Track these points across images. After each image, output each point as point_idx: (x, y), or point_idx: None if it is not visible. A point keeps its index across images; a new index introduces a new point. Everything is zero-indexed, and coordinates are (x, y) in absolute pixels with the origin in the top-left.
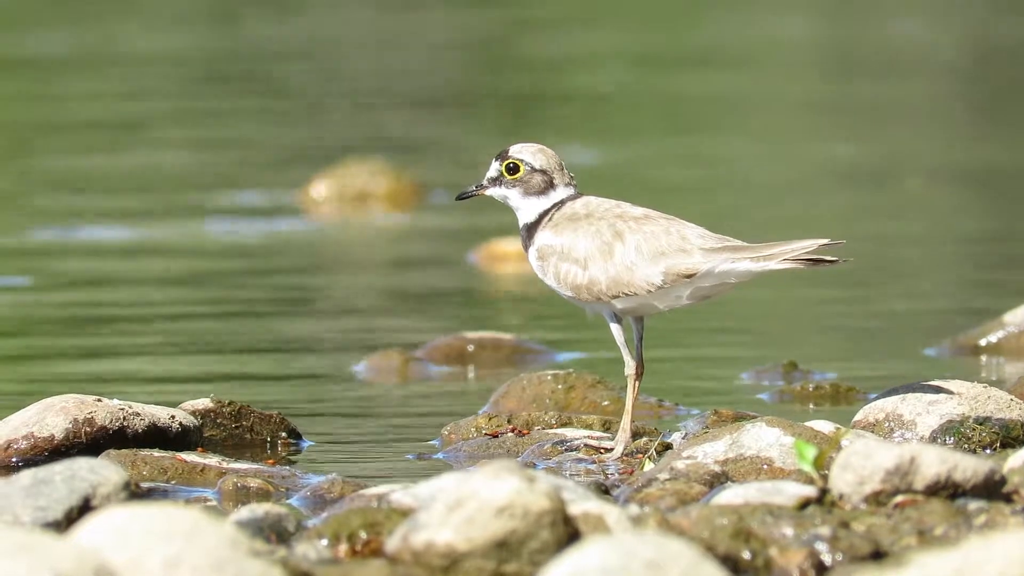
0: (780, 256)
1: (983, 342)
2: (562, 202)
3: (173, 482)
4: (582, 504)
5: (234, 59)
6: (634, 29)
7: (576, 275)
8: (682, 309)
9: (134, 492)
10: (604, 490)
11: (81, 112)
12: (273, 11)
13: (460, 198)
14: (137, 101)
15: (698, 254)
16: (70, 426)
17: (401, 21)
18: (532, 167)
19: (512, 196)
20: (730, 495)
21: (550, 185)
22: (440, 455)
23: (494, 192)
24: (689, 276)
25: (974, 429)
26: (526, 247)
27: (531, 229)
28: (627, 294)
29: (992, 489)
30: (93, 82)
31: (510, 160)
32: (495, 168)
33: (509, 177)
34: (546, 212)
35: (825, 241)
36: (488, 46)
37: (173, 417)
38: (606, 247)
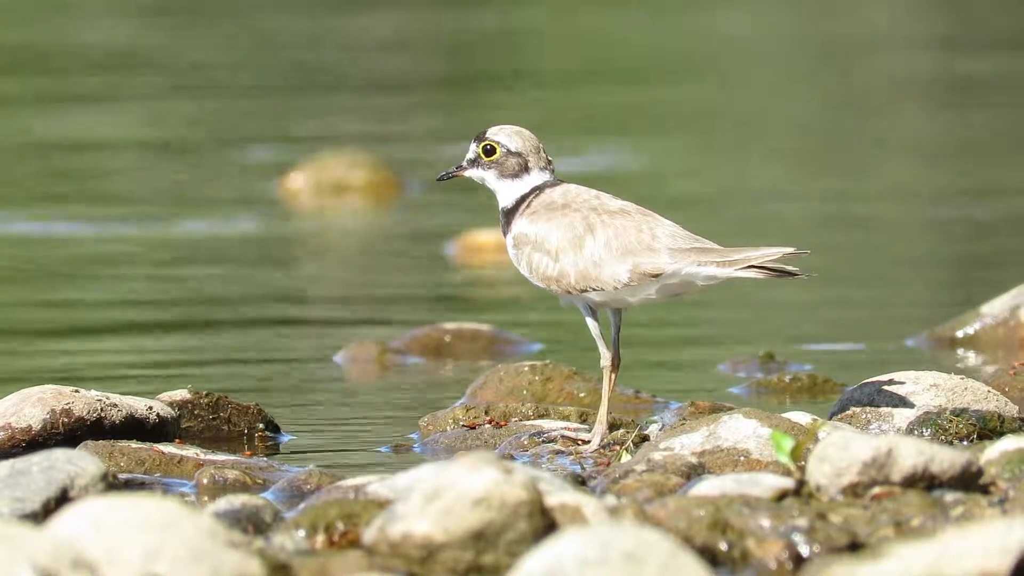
0: (744, 263)
1: (960, 334)
2: (541, 188)
3: (151, 473)
4: (559, 495)
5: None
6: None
7: (547, 266)
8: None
9: (112, 483)
10: (581, 481)
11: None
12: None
13: (441, 179)
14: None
15: (665, 254)
16: (48, 417)
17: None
18: (508, 149)
19: (488, 178)
20: (707, 486)
21: (524, 168)
22: (417, 447)
23: (472, 173)
24: (655, 276)
25: (951, 421)
26: (505, 233)
27: (509, 215)
28: (595, 288)
29: (969, 481)
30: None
31: (487, 142)
32: (473, 149)
33: (486, 159)
34: (524, 197)
35: (790, 249)
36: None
37: (151, 408)
38: (577, 240)
